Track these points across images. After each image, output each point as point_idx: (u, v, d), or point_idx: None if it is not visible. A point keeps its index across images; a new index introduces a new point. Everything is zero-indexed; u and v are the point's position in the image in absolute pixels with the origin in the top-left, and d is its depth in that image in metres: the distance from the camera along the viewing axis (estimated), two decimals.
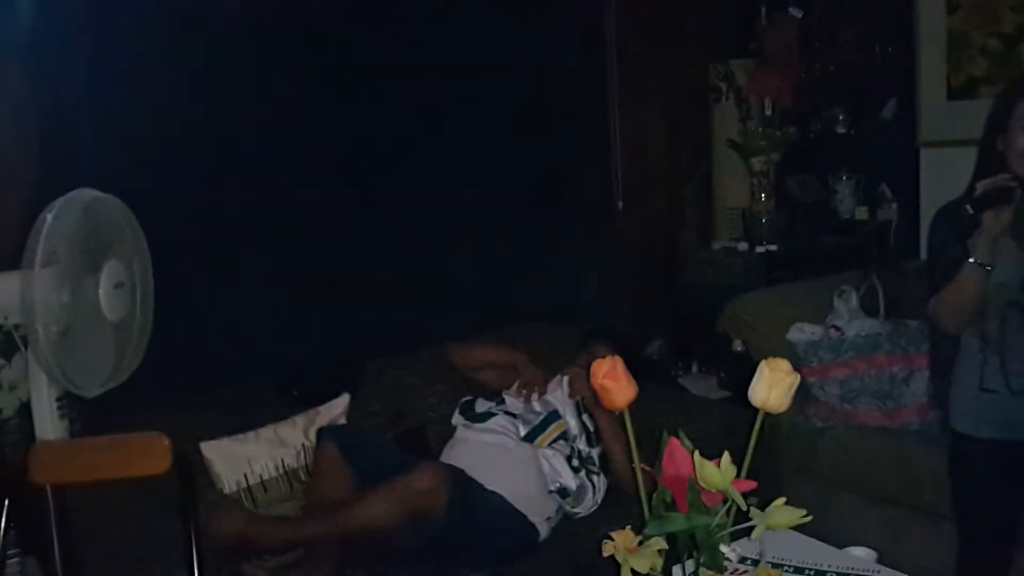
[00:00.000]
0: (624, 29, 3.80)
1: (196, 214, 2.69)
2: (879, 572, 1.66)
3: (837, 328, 2.75)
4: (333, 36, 3.01)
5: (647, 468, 1.24)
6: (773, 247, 3.60)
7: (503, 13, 3.45)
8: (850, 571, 1.65)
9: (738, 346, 3.33)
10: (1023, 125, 1.97)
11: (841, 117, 3.85)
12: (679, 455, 1.22)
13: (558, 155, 3.71)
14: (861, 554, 1.78)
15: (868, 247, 3.60)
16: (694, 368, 3.80)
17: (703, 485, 1.16)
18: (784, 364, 1.26)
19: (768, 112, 3.76)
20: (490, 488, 2.38)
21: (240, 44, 2.79)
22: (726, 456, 1.17)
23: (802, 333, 2.80)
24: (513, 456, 2.50)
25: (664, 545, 1.18)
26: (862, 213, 3.82)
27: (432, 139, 3.27)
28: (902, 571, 1.67)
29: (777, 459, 2.95)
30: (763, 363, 1.26)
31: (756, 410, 3.11)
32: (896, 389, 2.65)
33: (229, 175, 2.78)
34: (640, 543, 1.19)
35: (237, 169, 2.82)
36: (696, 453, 1.17)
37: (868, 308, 2.84)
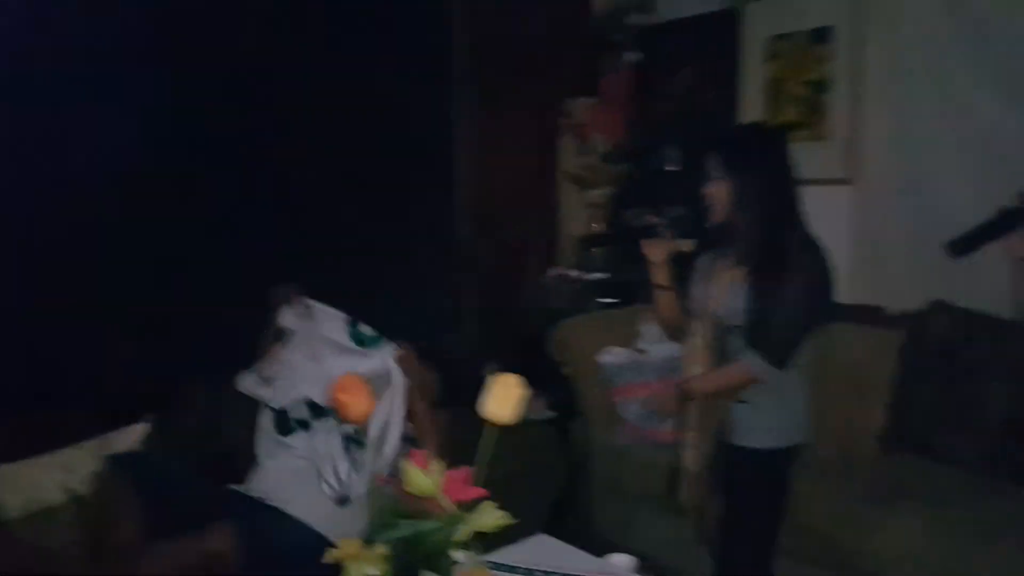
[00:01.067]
0: (476, 65, 3.92)
1: None
2: None
3: (642, 350, 2.92)
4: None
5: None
6: (603, 275, 3.77)
7: (349, 46, 3.51)
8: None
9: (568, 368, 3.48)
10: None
11: (672, 154, 4.07)
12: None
13: (406, 185, 3.76)
14: (621, 561, 1.90)
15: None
16: (529, 390, 3.91)
17: (412, 490, 1.24)
18: (513, 380, 1.37)
19: (604, 148, 3.95)
20: (294, 514, 2.31)
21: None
22: (438, 463, 1.26)
23: (611, 356, 2.96)
24: (315, 475, 2.42)
25: (386, 551, 1.25)
26: (687, 245, 4.03)
27: (269, 164, 3.25)
28: None
29: (587, 477, 3.11)
30: (493, 378, 1.37)
31: (566, 426, 3.25)
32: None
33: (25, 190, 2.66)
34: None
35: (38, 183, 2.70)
36: (407, 461, 1.26)
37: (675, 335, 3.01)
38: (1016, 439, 2.58)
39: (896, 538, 2.31)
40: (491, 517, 1.25)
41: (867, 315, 3.23)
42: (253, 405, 2.77)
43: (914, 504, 2.39)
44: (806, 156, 3.41)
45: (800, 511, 2.30)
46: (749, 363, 2.14)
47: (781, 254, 2.11)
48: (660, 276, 2.38)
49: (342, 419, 1.29)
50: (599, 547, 1.94)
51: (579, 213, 4.07)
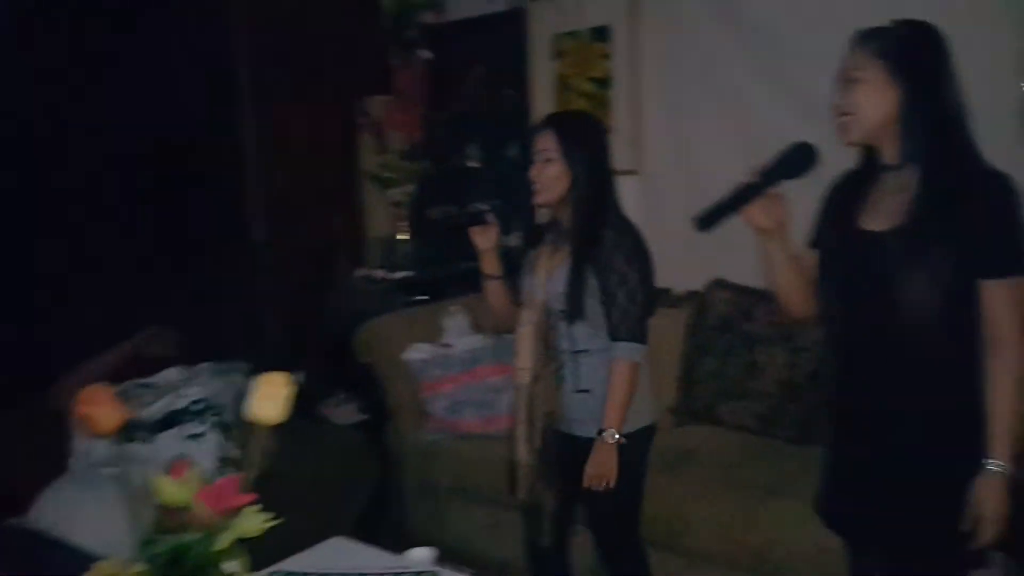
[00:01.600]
0: (258, 63, 3.83)
1: None
2: (423, 571, 1.77)
3: (448, 345, 2.96)
4: None
5: None
6: (409, 273, 3.79)
7: (129, 45, 3.35)
8: (387, 571, 1.75)
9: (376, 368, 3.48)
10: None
11: (472, 152, 4.14)
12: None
13: (189, 190, 3.63)
14: (420, 555, 1.90)
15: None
16: (340, 396, 3.88)
17: (165, 502, 1.20)
18: (279, 379, 1.35)
19: (402, 146, 3.96)
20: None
21: None
22: (190, 472, 1.23)
23: (417, 352, 2.98)
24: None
25: (146, 569, 1.20)
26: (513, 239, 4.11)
27: (46, 172, 3.09)
28: (491, 566, 1.78)
29: (401, 476, 3.12)
30: (259, 378, 1.35)
31: (379, 428, 3.18)
32: (496, 398, 2.89)
33: None
34: None
35: None
36: (161, 474, 1.22)
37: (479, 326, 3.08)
38: (791, 401, 2.80)
39: (684, 503, 2.46)
40: (254, 522, 1.22)
41: (659, 297, 3.41)
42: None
43: (700, 470, 2.55)
44: None
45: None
46: (625, 355, 2.14)
47: (608, 235, 2.17)
48: (489, 265, 2.33)
49: (91, 433, 1.23)
50: (412, 544, 1.92)
51: (383, 212, 4.06)
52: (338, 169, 4.15)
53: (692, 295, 3.29)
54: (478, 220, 2.29)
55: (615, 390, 2.13)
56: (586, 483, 2.14)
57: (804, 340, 2.81)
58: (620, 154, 3.58)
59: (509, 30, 3.91)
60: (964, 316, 1.61)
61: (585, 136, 2.25)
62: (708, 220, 1.65)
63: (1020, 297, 1.58)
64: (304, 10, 3.93)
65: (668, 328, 3.21)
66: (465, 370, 2.90)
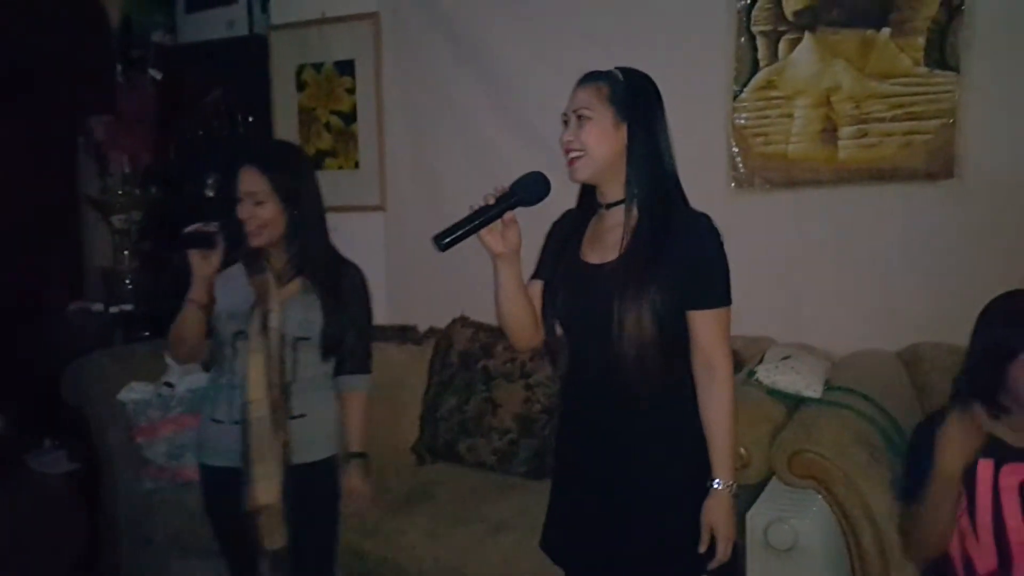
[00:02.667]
0: None
1: None
2: None
3: (170, 384, 2.75)
4: None
5: None
6: (129, 307, 3.50)
7: None
8: None
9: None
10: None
11: (211, 180, 3.93)
12: None
13: None
14: None
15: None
16: (47, 443, 3.50)
17: None
18: None
19: (127, 170, 3.69)
20: None
21: None
22: None
23: (133, 392, 2.74)
24: None
25: None
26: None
27: None
28: None
29: (116, 527, 2.84)
30: None
31: (93, 476, 2.82)
32: None
33: None
34: None
35: None
36: None
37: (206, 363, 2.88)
38: (527, 437, 2.85)
39: (417, 543, 2.42)
40: None
41: (403, 334, 3.39)
42: None
43: (435, 508, 2.53)
44: (343, 183, 3.59)
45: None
46: (361, 387, 2.22)
47: (331, 270, 2.16)
48: (199, 292, 2.14)
49: None
50: None
51: (104, 241, 3.74)
52: (55, 192, 3.78)
53: (435, 332, 3.29)
54: (205, 241, 2.11)
55: (357, 421, 2.22)
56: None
57: (541, 376, 2.88)
58: (365, 190, 3.60)
59: (250, 57, 3.78)
60: (678, 345, 1.71)
61: (296, 171, 2.17)
62: (446, 239, 1.65)
63: (726, 326, 1.71)
64: (19, 19, 3.58)
65: (411, 365, 3.19)
66: (188, 411, 2.69)
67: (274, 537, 2.09)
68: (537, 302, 1.82)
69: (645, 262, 1.66)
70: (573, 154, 1.71)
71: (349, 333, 2.17)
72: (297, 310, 2.11)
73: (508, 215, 1.67)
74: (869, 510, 1.84)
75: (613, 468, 1.75)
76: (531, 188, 1.68)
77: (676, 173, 1.76)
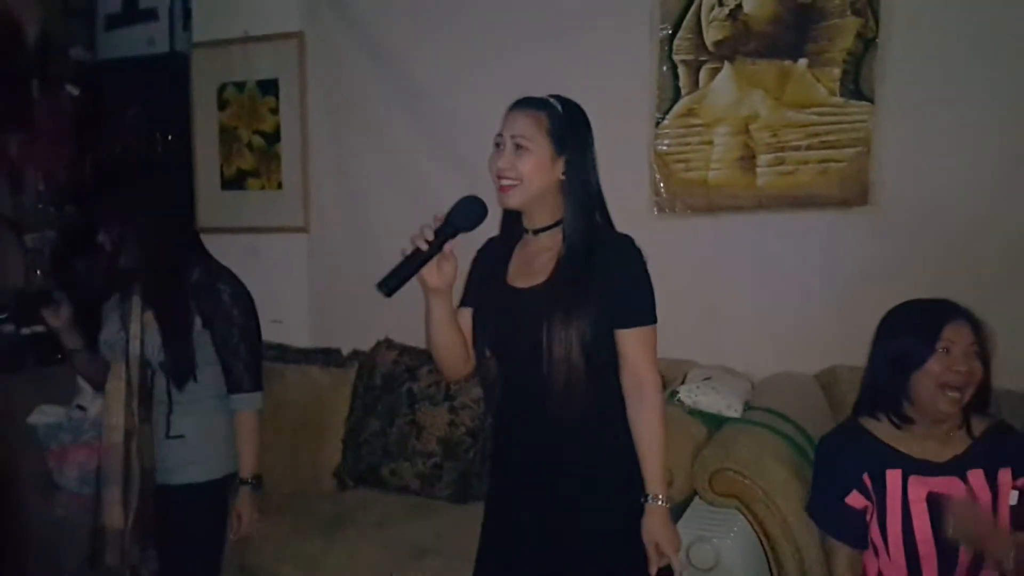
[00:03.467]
0: None
1: None
2: None
3: (82, 407, 2.64)
4: None
5: None
6: (41, 328, 3.36)
7: None
8: None
9: None
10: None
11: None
12: None
13: None
14: None
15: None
16: None
17: None
18: None
19: (41, 188, 3.56)
20: None
21: None
22: None
23: (44, 415, 2.63)
24: None
25: None
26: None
27: None
28: None
29: (24, 556, 2.71)
30: None
31: None
32: None
33: None
34: None
35: None
36: None
37: None
38: (451, 460, 2.83)
39: (338, 564, 2.38)
40: None
41: (327, 357, 3.34)
42: None
43: (357, 533, 2.49)
44: (265, 204, 3.54)
45: (249, 553, 2.24)
46: (253, 406, 2.18)
47: (216, 286, 2.15)
48: (69, 340, 2.30)
49: None
50: None
51: (16, 260, 3.60)
52: None
53: (359, 355, 3.25)
54: (49, 303, 2.24)
55: (249, 439, 2.18)
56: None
57: (465, 398, 2.87)
58: (289, 211, 3.55)
59: (171, 74, 3.71)
60: (608, 365, 1.73)
61: (126, 199, 2.16)
62: (390, 285, 1.63)
63: (653, 343, 1.74)
64: None
65: (334, 389, 3.15)
66: (100, 436, 2.59)
67: (114, 558, 2.10)
68: (467, 330, 1.83)
69: (573, 284, 1.68)
70: (507, 182, 1.71)
71: (241, 351, 2.15)
72: (156, 335, 2.11)
73: (448, 246, 1.66)
74: (788, 528, 1.87)
75: (549, 492, 1.75)
76: (468, 214, 1.67)
77: (603, 197, 1.79)
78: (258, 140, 3.59)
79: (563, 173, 1.71)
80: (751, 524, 1.94)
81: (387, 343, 3.19)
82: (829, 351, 2.67)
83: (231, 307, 2.15)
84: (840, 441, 1.89)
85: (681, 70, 2.83)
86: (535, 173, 1.69)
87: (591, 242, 1.72)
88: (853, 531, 1.85)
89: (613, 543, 1.73)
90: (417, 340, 3.08)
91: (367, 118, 3.35)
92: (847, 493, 1.84)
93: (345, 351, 3.36)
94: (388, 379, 3.06)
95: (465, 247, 1.83)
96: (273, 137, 3.55)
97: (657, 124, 2.86)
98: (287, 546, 2.39)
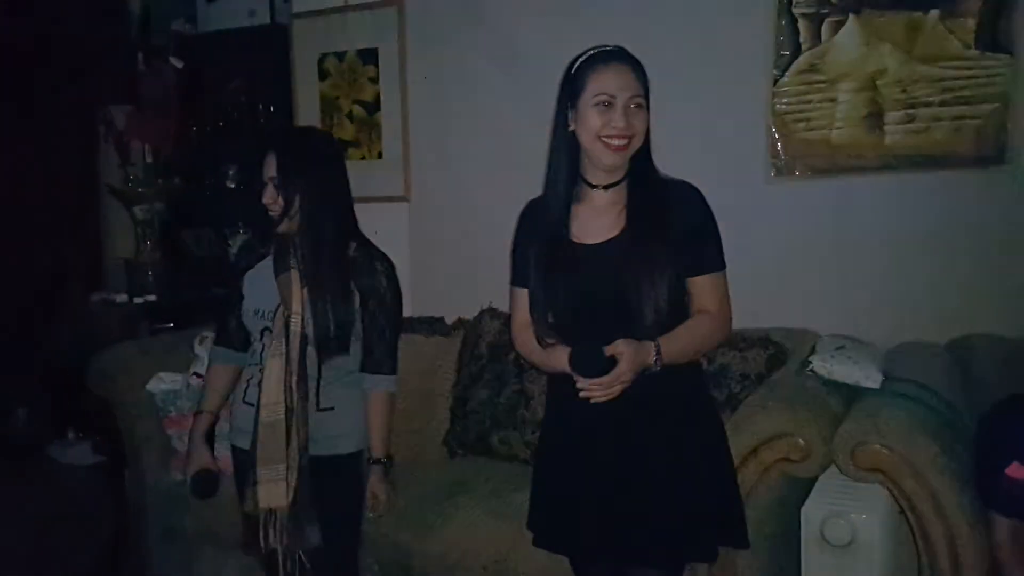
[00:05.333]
0: None
1: None
2: None
3: (199, 375, 2.69)
4: None
5: None
6: (152, 298, 3.44)
7: None
8: None
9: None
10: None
11: (231, 172, 3.88)
12: None
13: None
14: None
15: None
16: (70, 434, 3.44)
17: None
18: None
19: (149, 160, 3.63)
20: None
21: None
22: None
23: (162, 383, 2.69)
24: None
25: None
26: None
27: None
28: None
29: (143, 519, 2.79)
30: None
31: (119, 469, 2.80)
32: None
33: None
34: None
35: None
36: None
37: None
38: None
39: (455, 533, 2.36)
40: None
41: (430, 326, 3.33)
42: None
43: (471, 500, 2.47)
44: (366, 174, 3.53)
45: (367, 522, 2.24)
46: (375, 388, 2.15)
47: (364, 261, 2.12)
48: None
49: None
50: None
51: (126, 231, 3.68)
52: (75, 182, 3.73)
53: (463, 323, 3.23)
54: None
55: (377, 423, 2.16)
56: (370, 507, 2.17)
57: None
58: (389, 181, 3.53)
59: (271, 46, 3.72)
60: (682, 313, 1.75)
61: (307, 157, 2.10)
62: None
63: (725, 289, 1.78)
64: (40, 10, 3.52)
65: (440, 358, 3.13)
66: None
67: (277, 539, 2.05)
68: (524, 309, 1.83)
69: (654, 233, 1.70)
70: (622, 141, 1.70)
71: (381, 329, 2.12)
72: (321, 310, 2.05)
73: None
74: (939, 505, 1.77)
75: (629, 445, 1.75)
76: (592, 363, 1.66)
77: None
78: (358, 110, 3.57)
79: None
80: (896, 500, 1.84)
81: (491, 311, 3.16)
82: (962, 319, 2.54)
83: (386, 289, 2.13)
84: (1004, 413, 1.80)
85: (801, 24, 2.69)
86: (643, 128, 1.72)
87: (657, 191, 1.75)
88: (1015, 503, 1.76)
89: (693, 492, 1.74)
90: None
91: (467, 85, 3.31)
92: (1007, 464, 1.75)
93: (448, 320, 3.34)
94: (494, 348, 3.02)
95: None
96: (373, 106, 3.53)
97: (775, 82, 2.74)
98: (406, 514, 2.38)
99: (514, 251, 1.91)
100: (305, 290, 2.05)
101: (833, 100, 2.68)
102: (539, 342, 1.80)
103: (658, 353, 1.66)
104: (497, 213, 3.24)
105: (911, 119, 2.59)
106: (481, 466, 2.80)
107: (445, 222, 3.42)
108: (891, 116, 2.61)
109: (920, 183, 2.60)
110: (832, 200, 2.70)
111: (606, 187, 1.77)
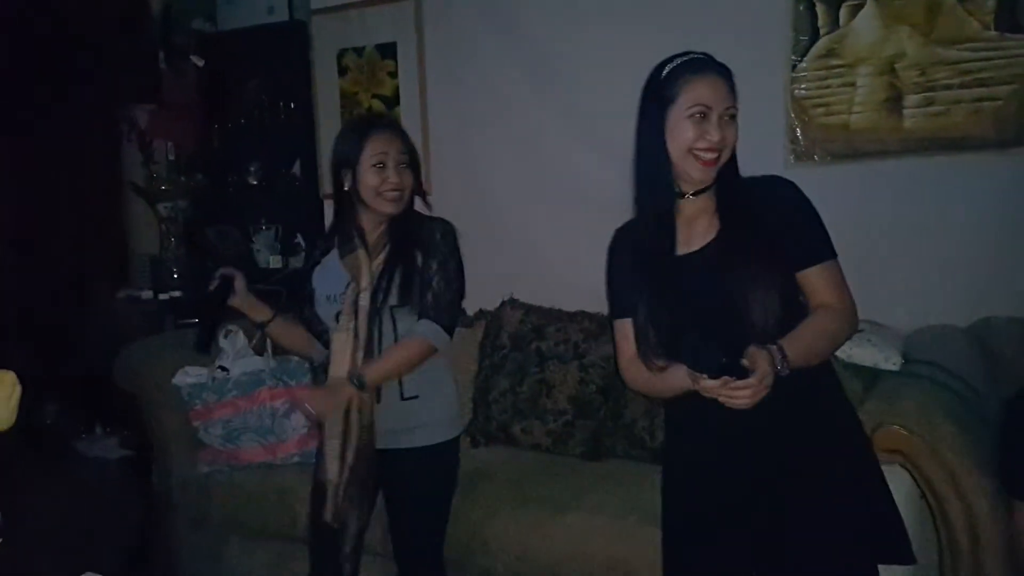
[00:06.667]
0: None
1: None
2: None
3: (224, 368, 2.72)
4: None
5: None
6: (177, 293, 3.49)
7: None
8: None
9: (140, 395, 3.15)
10: (371, 163, 2.12)
11: (254, 169, 3.91)
12: None
13: None
14: None
15: (277, 293, 3.68)
16: (98, 429, 3.50)
17: None
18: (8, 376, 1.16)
19: (172, 158, 3.67)
20: None
21: None
22: None
23: (188, 376, 2.73)
24: None
25: None
26: (276, 261, 3.90)
27: None
28: None
29: (172, 511, 2.83)
30: None
31: (146, 462, 2.85)
32: (277, 424, 2.69)
33: None
34: None
35: None
36: None
37: (259, 347, 2.86)
38: (582, 418, 2.79)
39: (481, 522, 2.38)
40: None
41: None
42: None
43: (495, 489, 2.49)
44: None
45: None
46: (424, 333, 2.10)
47: (435, 224, 2.21)
48: (256, 313, 2.32)
49: None
50: None
51: (150, 228, 3.73)
52: (99, 179, 3.78)
53: (484, 314, 3.25)
54: (224, 295, 2.25)
55: (396, 356, 2.09)
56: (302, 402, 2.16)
57: (595, 356, 2.82)
58: None
59: (290, 42, 3.75)
60: (796, 311, 1.63)
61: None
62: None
63: (840, 277, 1.66)
64: (61, 8, 3.57)
65: (462, 348, 3.14)
66: (243, 394, 2.67)
67: (331, 515, 2.08)
68: (629, 338, 1.74)
69: (752, 229, 1.62)
70: (714, 155, 1.62)
71: (435, 280, 2.12)
72: (384, 279, 2.11)
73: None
74: (959, 486, 1.77)
75: (777, 461, 1.62)
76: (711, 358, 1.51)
77: None
78: (378, 104, 3.60)
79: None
80: (916, 481, 1.84)
81: (512, 302, 3.17)
82: (982, 303, 2.53)
83: (441, 240, 2.17)
84: None
85: (820, 8, 2.69)
86: (734, 138, 1.64)
87: (745, 191, 1.68)
88: None
89: (846, 505, 1.61)
90: (541, 299, 3.07)
91: (486, 79, 3.32)
92: None
93: (470, 311, 3.36)
94: (515, 338, 3.04)
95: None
96: (393, 101, 3.56)
97: (793, 68, 2.73)
98: None
99: (610, 283, 1.82)
100: (374, 263, 2.11)
101: (852, 84, 2.67)
102: (648, 367, 1.70)
103: (783, 356, 1.52)
104: (517, 204, 3.28)
105: (930, 102, 2.58)
106: (503, 455, 2.82)
107: (464, 215, 3.41)
108: (910, 100, 2.60)
109: (940, 166, 2.59)
110: (852, 185, 2.69)
111: (695, 194, 1.69)
